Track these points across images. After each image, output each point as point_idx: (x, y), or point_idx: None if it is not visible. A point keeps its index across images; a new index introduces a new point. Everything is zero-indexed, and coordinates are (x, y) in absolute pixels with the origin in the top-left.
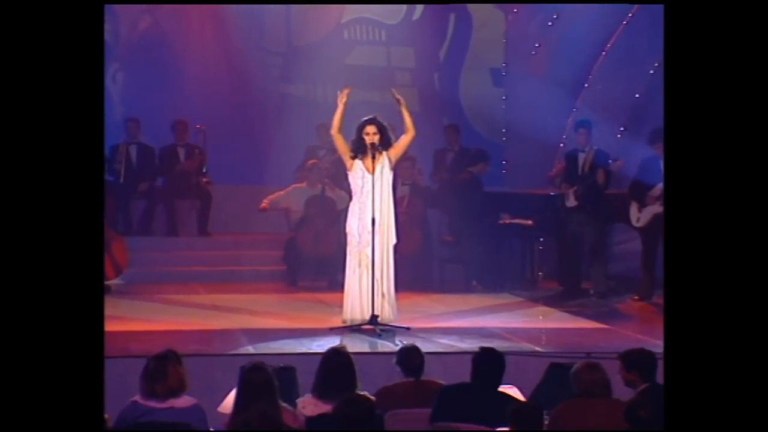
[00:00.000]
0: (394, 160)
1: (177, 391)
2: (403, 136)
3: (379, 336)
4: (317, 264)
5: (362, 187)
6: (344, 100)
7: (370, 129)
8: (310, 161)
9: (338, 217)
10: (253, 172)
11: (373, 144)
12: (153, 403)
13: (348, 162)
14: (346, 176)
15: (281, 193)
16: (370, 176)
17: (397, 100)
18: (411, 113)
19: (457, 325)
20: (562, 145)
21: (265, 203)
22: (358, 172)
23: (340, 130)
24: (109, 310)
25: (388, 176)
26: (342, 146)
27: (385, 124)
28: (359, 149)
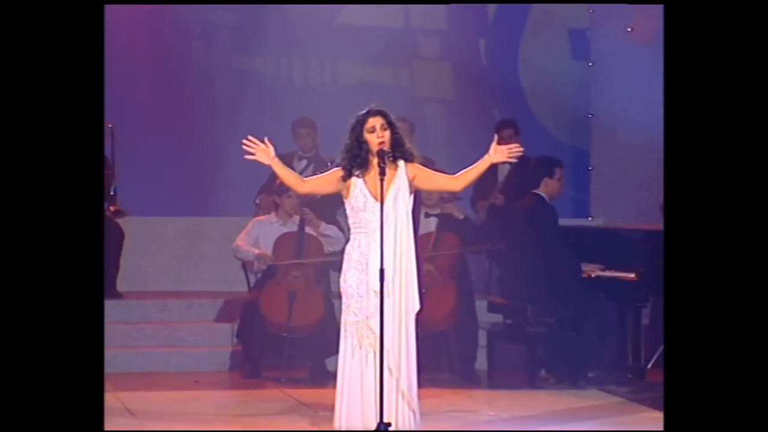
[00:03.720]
0: (416, 183)
1: None
2: (447, 178)
3: None
4: (293, 342)
5: (365, 220)
6: (270, 154)
7: (376, 122)
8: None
9: (326, 267)
10: (189, 197)
11: (382, 150)
12: None
13: (342, 187)
14: (340, 203)
15: (244, 234)
16: (377, 204)
17: (500, 149)
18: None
19: None
20: None
21: (258, 251)
22: (358, 198)
23: (302, 178)
24: None
25: (406, 203)
26: (322, 181)
27: (393, 117)
28: (356, 160)
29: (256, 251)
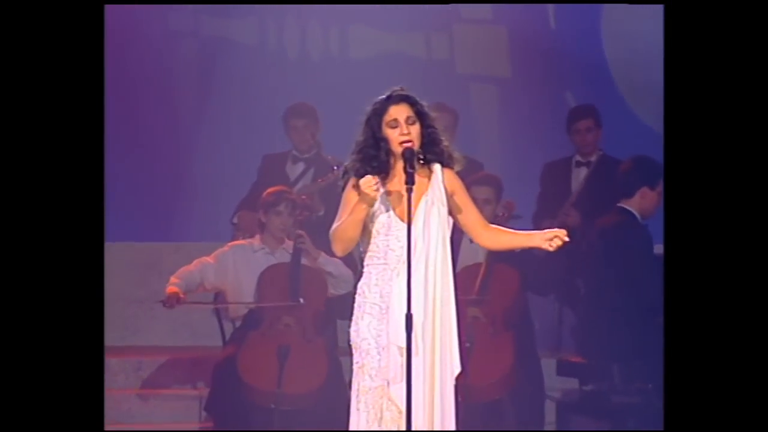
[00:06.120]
0: (455, 200)
1: None
2: (479, 219)
3: None
4: (285, 416)
5: (385, 248)
6: (369, 195)
7: (399, 113)
8: (271, 190)
9: (331, 313)
10: (140, 216)
11: (409, 150)
12: None
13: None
14: None
15: (207, 260)
16: (402, 225)
17: (547, 236)
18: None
19: None
20: None
21: (172, 286)
22: (379, 218)
23: (349, 243)
24: None
25: (443, 223)
26: (352, 221)
27: (425, 105)
28: (372, 163)
29: (169, 288)
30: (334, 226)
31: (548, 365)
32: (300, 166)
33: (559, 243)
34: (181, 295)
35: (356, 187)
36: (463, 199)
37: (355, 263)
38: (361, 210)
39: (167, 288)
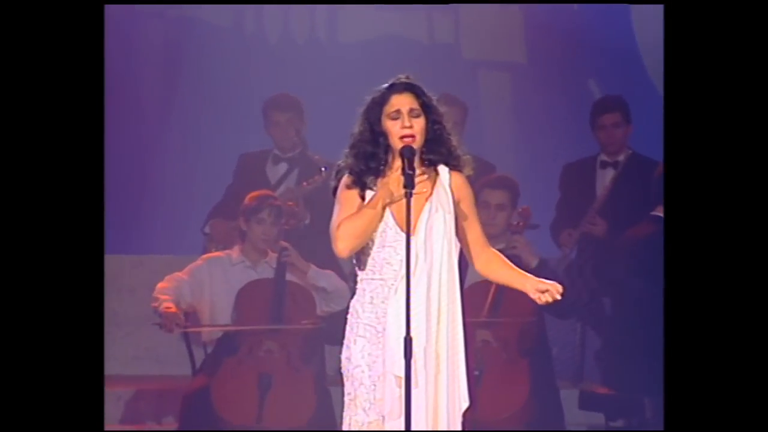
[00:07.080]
0: (461, 208)
1: None
2: (480, 238)
3: None
4: None
5: (382, 262)
6: (396, 188)
7: (402, 103)
8: (253, 194)
9: (319, 336)
10: (112, 230)
11: (407, 149)
12: None
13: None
14: None
15: (181, 275)
16: (401, 236)
17: (539, 289)
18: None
19: None
20: None
21: (168, 303)
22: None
23: (361, 240)
24: None
25: (449, 234)
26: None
27: (433, 97)
28: (370, 162)
29: (164, 306)
30: (340, 220)
31: (569, 397)
32: (282, 167)
33: (549, 299)
34: (182, 316)
35: (352, 186)
36: (468, 209)
37: (347, 278)
38: (380, 205)
39: (162, 307)
